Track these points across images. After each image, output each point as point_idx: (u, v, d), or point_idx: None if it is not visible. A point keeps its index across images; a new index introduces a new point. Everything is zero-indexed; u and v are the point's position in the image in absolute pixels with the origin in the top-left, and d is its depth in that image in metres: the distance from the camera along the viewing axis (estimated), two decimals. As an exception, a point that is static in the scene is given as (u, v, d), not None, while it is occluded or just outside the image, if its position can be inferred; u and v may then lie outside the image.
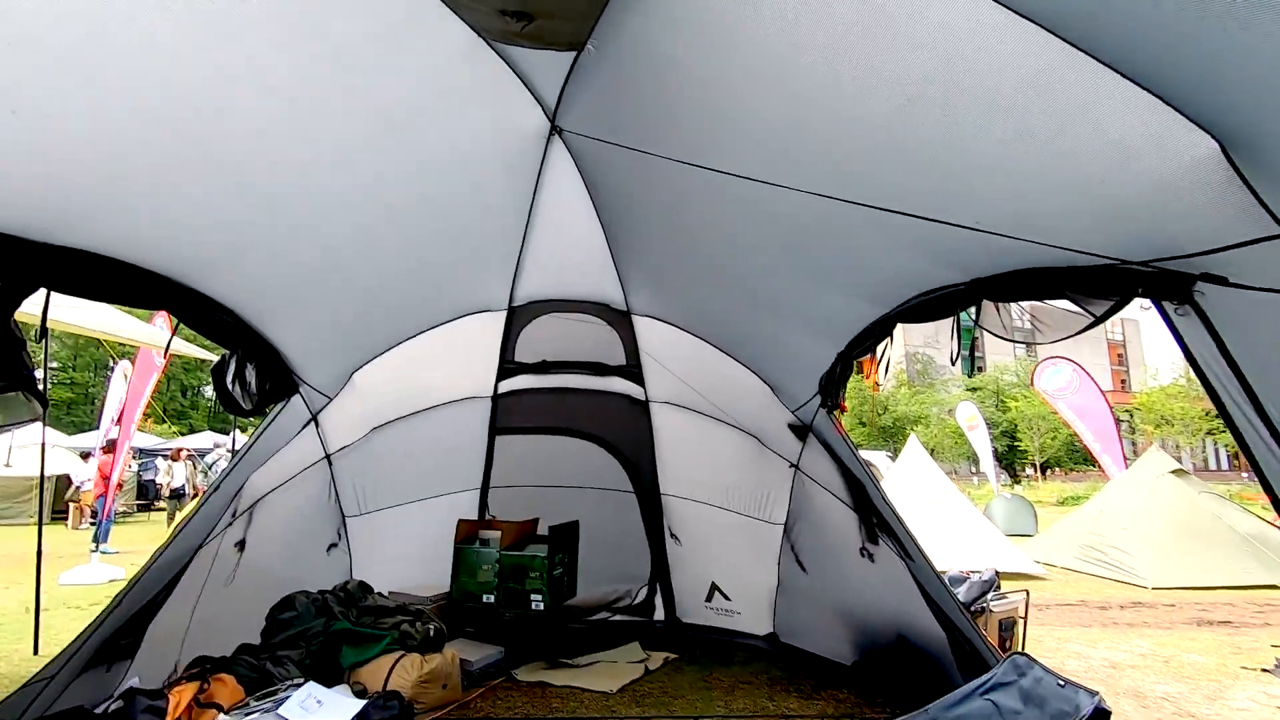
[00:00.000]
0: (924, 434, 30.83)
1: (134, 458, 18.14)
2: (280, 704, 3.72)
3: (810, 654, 5.03)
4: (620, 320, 4.77)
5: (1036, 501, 17.14)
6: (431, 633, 4.54)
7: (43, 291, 2.19)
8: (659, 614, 5.86)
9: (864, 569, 4.60)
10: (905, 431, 29.06)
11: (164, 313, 5.19)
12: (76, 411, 31.26)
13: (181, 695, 3.73)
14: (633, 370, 5.11)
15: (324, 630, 4.49)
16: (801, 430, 4.66)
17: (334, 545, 5.18)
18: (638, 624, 5.79)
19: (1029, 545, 10.65)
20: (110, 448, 12.11)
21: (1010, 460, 36.48)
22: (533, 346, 5.00)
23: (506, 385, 5.27)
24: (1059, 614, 7.15)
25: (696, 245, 3.25)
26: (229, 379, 3.49)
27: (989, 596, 4.84)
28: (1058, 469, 36.52)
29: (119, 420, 11.03)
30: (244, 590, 4.45)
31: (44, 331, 2.70)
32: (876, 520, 4.39)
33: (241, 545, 4.42)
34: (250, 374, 3.51)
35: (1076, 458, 32.98)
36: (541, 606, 5.04)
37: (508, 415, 5.45)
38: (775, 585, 5.45)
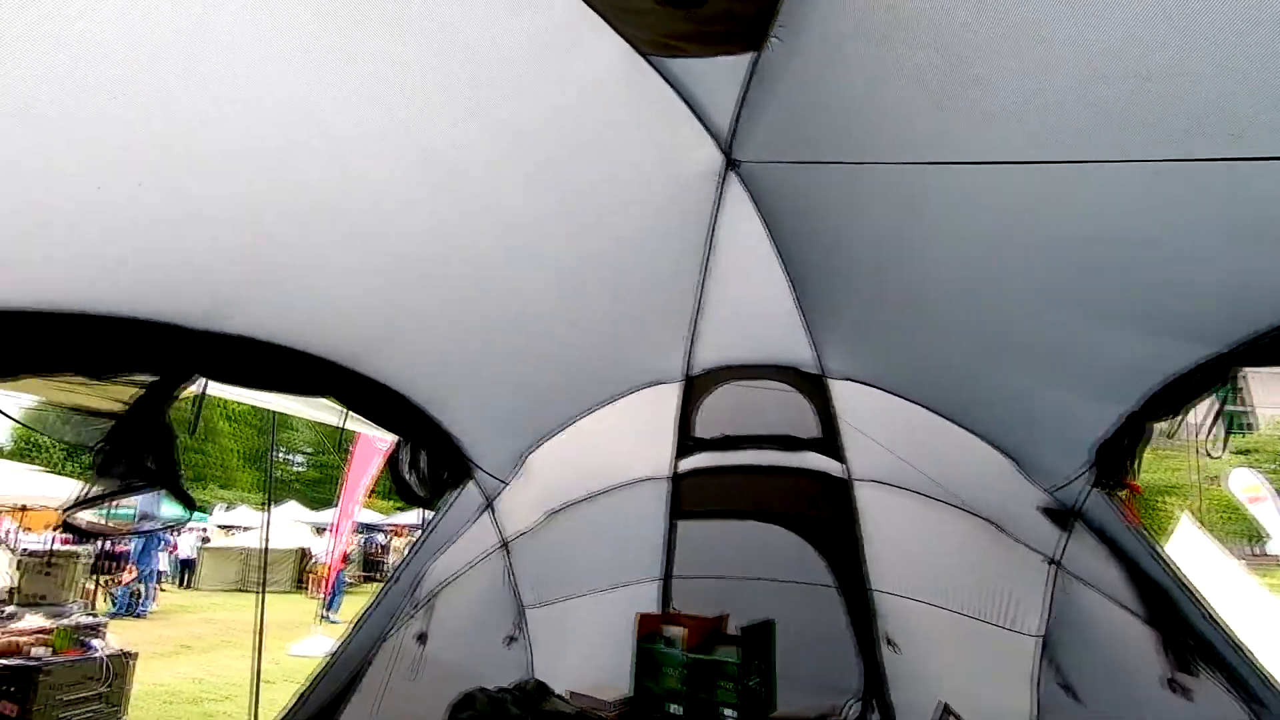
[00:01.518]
0: (1182, 508, 25.33)
1: (356, 532, 20.08)
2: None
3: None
4: (812, 386, 4.12)
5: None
6: (612, 751, 4.02)
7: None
8: (875, 735, 4.85)
9: (1174, 708, 3.37)
10: (1156, 505, 24.08)
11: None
12: (321, 489, 35.94)
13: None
14: (829, 443, 4.40)
15: (501, 736, 4.16)
16: (1061, 516, 3.62)
17: (513, 638, 4.90)
18: (849, 747, 4.82)
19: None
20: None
21: (1310, 541, 28.68)
22: (713, 420, 4.50)
23: (686, 464, 4.79)
24: None
25: (917, 286, 2.59)
26: (405, 468, 3.37)
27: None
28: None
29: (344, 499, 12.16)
30: (427, 685, 4.27)
31: (274, 424, 2.74)
32: (1193, 643, 3.21)
33: (423, 638, 4.28)
34: (423, 461, 3.37)
35: None
36: (735, 724, 4.31)
37: (688, 497, 4.94)
38: (1033, 713, 4.25)
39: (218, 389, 2.40)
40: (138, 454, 1.82)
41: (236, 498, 31.03)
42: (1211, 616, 2.94)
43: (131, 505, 16.66)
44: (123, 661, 4.73)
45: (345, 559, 18.10)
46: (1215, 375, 2.12)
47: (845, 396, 4.07)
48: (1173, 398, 2.32)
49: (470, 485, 3.87)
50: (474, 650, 4.62)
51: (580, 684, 4.92)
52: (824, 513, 4.76)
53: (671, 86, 2.08)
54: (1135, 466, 2.83)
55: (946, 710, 4.72)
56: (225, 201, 1.73)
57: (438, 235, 2.23)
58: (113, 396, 1.76)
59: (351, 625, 3.58)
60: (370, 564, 22.94)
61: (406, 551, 3.92)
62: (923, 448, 3.97)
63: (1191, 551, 8.37)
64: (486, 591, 4.64)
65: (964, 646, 4.45)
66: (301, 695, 3.45)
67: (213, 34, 1.35)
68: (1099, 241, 1.78)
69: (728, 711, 4.40)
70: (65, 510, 2.06)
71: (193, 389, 1.97)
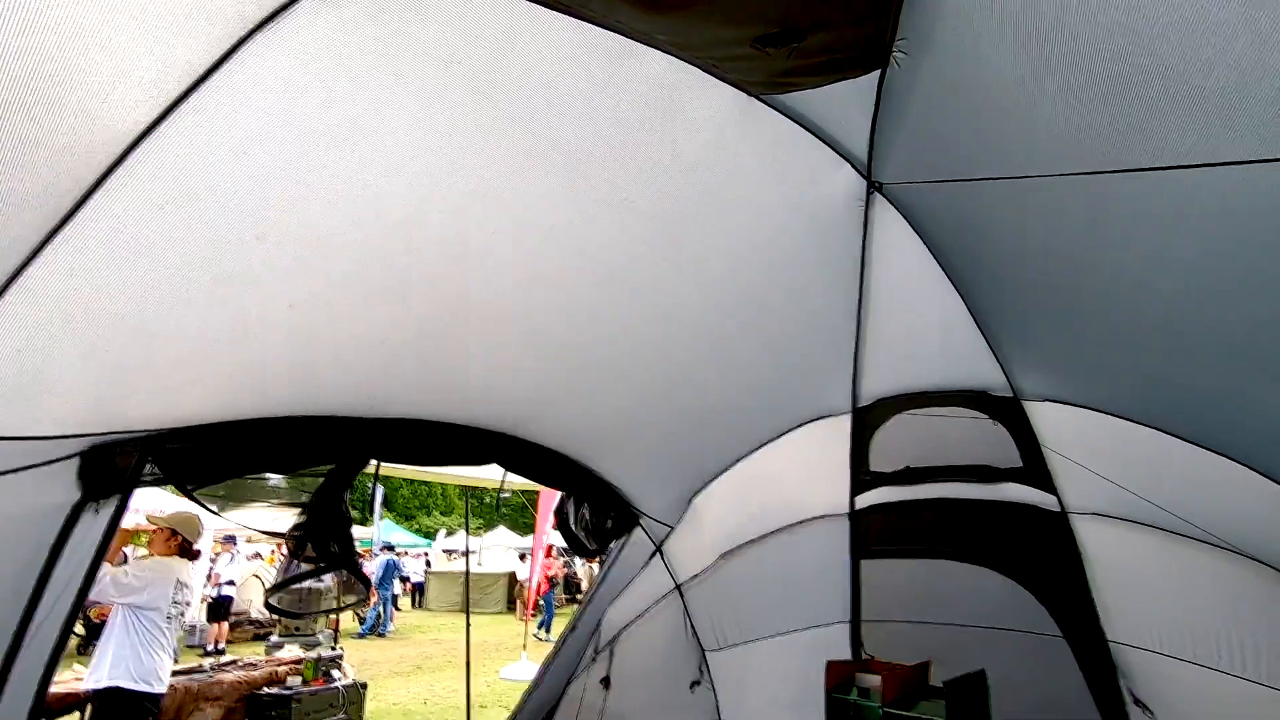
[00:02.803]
0: None
1: (552, 555, 21.22)
2: None
3: None
4: (1007, 410, 3.61)
5: None
6: (808, 814, 3.74)
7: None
8: (1133, 813, 4.06)
9: None
10: None
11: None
12: (529, 515, 38.85)
13: None
14: (1035, 473, 3.81)
15: (691, 787, 4.07)
16: (1373, 561, 2.79)
17: (696, 683, 4.80)
18: (1099, 826, 4.08)
19: None
20: (549, 551, 14.49)
21: None
22: (890, 453, 4.10)
23: (864, 500, 4.41)
24: None
25: (1126, 294, 2.14)
26: (572, 522, 3.45)
27: None
28: None
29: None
30: (614, 728, 4.31)
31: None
32: None
33: (606, 682, 4.33)
34: (587, 512, 3.43)
35: None
36: (948, 794, 3.83)
37: (871, 535, 4.54)
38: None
39: (389, 469, 2.62)
40: (324, 538, 2.01)
41: (457, 524, 34.37)
42: None
43: (369, 536, 19.15)
44: (357, 690, 5.36)
45: (551, 581, 19.28)
46: None
47: (1050, 421, 3.51)
48: None
49: (638, 532, 3.88)
50: (659, 695, 4.59)
51: (770, 731, 4.69)
52: (1037, 550, 4.12)
53: (792, 119, 1.92)
54: None
55: (1230, 792, 3.83)
56: (391, 314, 1.89)
57: (580, 317, 2.26)
58: (301, 488, 1.95)
59: (536, 676, 3.70)
60: (571, 586, 24.19)
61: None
62: (1160, 477, 3.29)
63: None
64: (666, 635, 4.60)
65: (1239, 714, 3.59)
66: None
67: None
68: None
69: (937, 777, 3.93)
70: (267, 591, 2.32)
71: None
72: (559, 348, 2.38)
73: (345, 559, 2.01)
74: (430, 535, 30.39)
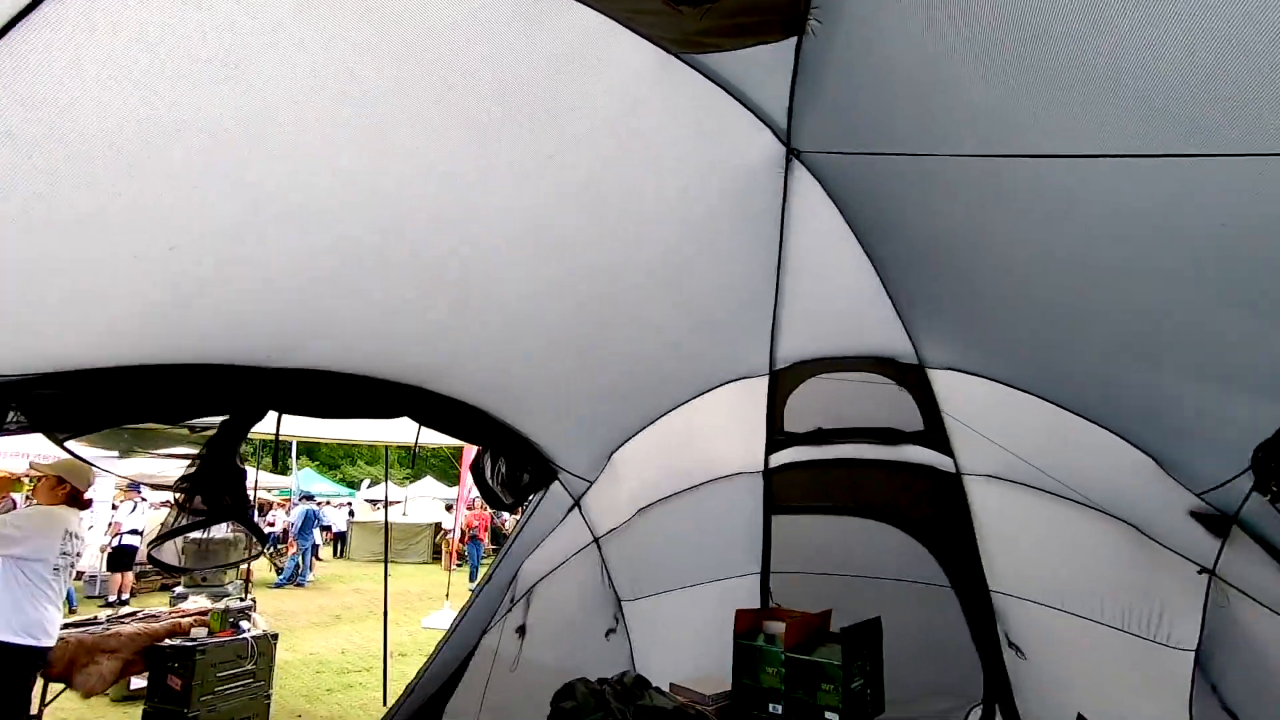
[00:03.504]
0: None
1: (482, 507, 21.21)
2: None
3: None
4: (911, 377, 3.78)
5: None
6: (710, 751, 3.97)
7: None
8: (1002, 744, 4.50)
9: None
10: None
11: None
12: (455, 466, 38.52)
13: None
14: (934, 437, 4.04)
15: (601, 728, 4.23)
16: (1217, 522, 3.11)
17: (611, 630, 4.95)
18: (971, 754, 4.51)
19: None
20: (476, 503, 14.49)
21: None
22: (804, 414, 4.25)
23: (778, 459, 4.58)
24: None
25: (1019, 273, 2.25)
26: (488, 475, 3.44)
27: None
28: None
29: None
30: (528, 675, 4.40)
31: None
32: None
33: (522, 631, 4.41)
34: (503, 467, 3.43)
35: None
36: (839, 730, 4.13)
37: (783, 492, 4.74)
38: (1190, 736, 3.76)
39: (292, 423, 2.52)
40: (215, 490, 1.93)
41: (382, 474, 33.77)
42: None
43: (287, 485, 18.63)
44: (268, 641, 5.27)
45: (485, 528, 19.30)
46: None
47: (950, 388, 3.71)
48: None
49: (556, 487, 3.91)
50: (573, 643, 4.70)
51: (684, 677, 4.90)
52: (933, 509, 4.40)
53: (714, 81, 1.90)
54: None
55: (1084, 722, 4.30)
56: (285, 253, 1.78)
57: (491, 267, 2.20)
58: (190, 440, 1.86)
59: (451, 626, 3.73)
60: (500, 538, 24.31)
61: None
62: (1044, 443, 3.54)
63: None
64: (583, 586, 4.70)
65: (1102, 657, 4.00)
66: (409, 687, 3.66)
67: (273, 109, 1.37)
68: (1247, 231, 1.43)
69: (830, 715, 4.22)
70: (150, 545, 2.23)
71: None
72: (471, 299, 2.32)
73: (237, 511, 1.94)
74: (355, 485, 29.78)
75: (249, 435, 2.11)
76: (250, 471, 2.25)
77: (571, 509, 4.14)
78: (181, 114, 1.33)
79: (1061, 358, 2.92)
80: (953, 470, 4.17)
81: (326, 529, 20.71)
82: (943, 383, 3.71)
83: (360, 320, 2.18)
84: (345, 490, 26.70)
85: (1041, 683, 4.36)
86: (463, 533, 16.65)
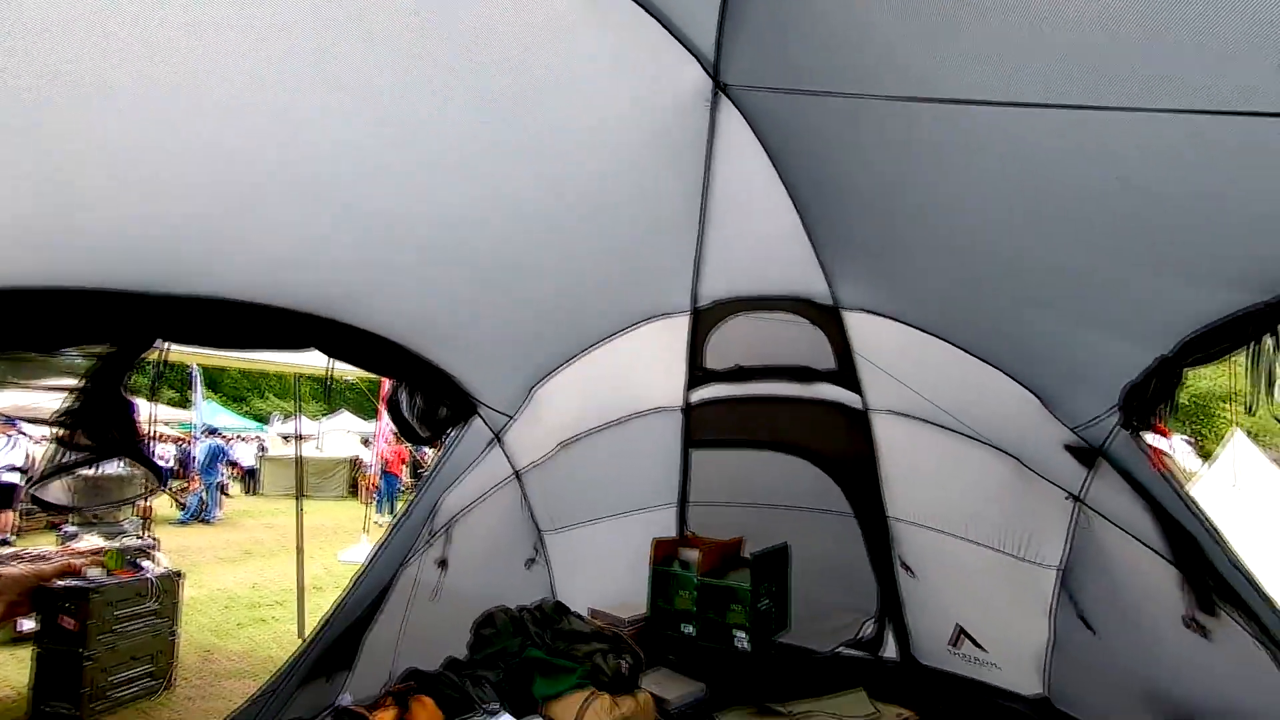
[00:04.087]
0: (1247, 420, 24.30)
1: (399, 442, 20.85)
2: (476, 732, 3.59)
3: (1098, 731, 3.81)
4: (826, 317, 3.91)
5: None
6: (625, 669, 4.17)
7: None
8: (890, 650, 4.95)
9: (1190, 645, 3.30)
10: (1211, 411, 23.02)
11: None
12: (368, 407, 37.42)
13: (382, 718, 3.78)
14: (845, 375, 4.23)
15: (519, 651, 4.36)
16: (1086, 454, 3.44)
17: (532, 560, 5.05)
18: (863, 662, 4.95)
19: None
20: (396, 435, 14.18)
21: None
22: (724, 351, 4.35)
23: (698, 395, 4.69)
24: None
25: (932, 219, 2.34)
26: (404, 409, 3.36)
27: None
28: None
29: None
30: (450, 605, 4.45)
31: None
32: (1214, 583, 3.10)
33: (443, 564, 4.43)
34: (420, 401, 3.35)
35: None
36: (746, 645, 4.43)
37: (702, 427, 4.88)
38: (1048, 641, 4.26)
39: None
40: (101, 425, 1.80)
41: (293, 407, 32.45)
42: (1236, 562, 2.80)
43: (189, 419, 17.64)
44: (171, 580, 5.08)
45: (404, 460, 18.99)
46: (1262, 325, 1.89)
47: (861, 328, 3.87)
48: (1209, 344, 2.09)
49: (477, 421, 3.86)
50: (494, 573, 4.77)
51: (603, 604, 5.09)
52: (841, 443, 4.65)
53: (642, 7, 1.82)
54: (1166, 409, 2.62)
55: (962, 634, 4.77)
56: (182, 171, 1.61)
57: (407, 194, 2.08)
58: (69, 370, 1.71)
59: (367, 559, 3.69)
60: (418, 472, 24.05)
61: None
62: (943, 382, 3.78)
63: (1245, 467, 8.04)
64: (503, 518, 4.74)
65: (981, 575, 4.42)
66: (324, 618, 3.63)
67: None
68: (1137, 189, 1.53)
69: (739, 634, 4.52)
70: (31, 484, 2.08)
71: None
72: (380, 226, 2.19)
73: (127, 446, 1.81)
74: (264, 419, 28.53)
75: (141, 363, 1.95)
76: (145, 405, 2.10)
77: (492, 443, 4.13)
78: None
79: (968, 302, 3.09)
80: (861, 407, 4.39)
81: (234, 464, 19.88)
82: (855, 323, 3.87)
83: (265, 248, 2.03)
84: (254, 424, 25.57)
85: (928, 598, 4.78)
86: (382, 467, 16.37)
